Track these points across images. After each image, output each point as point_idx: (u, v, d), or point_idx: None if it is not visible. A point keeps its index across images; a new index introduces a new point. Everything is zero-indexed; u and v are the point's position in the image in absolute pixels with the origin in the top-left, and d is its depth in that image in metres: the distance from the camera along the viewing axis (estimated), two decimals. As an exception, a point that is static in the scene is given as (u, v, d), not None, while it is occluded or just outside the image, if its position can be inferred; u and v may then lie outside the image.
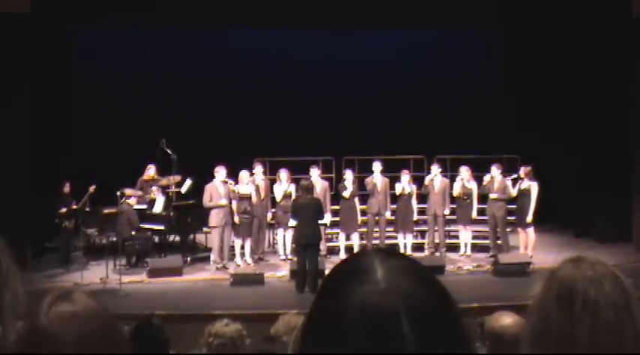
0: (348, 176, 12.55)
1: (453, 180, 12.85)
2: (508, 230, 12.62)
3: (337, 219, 12.59)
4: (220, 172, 11.89)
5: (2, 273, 1.62)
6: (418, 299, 0.96)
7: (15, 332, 1.46)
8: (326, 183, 12.65)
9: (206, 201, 11.82)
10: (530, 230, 12.12)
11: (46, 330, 1.32)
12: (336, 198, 12.66)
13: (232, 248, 12.11)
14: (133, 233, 11.89)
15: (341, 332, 0.95)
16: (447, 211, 12.65)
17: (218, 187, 11.83)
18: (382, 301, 0.94)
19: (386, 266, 0.99)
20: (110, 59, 14.91)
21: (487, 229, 12.71)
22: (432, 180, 12.66)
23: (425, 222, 13.16)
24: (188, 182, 13.05)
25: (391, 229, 12.85)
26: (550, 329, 1.56)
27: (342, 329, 0.94)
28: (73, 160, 13.95)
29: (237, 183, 11.98)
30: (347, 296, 0.96)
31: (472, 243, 12.87)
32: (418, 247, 12.94)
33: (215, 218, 11.76)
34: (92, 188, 12.16)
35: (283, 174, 12.48)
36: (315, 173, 12.44)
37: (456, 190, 12.60)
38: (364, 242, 12.70)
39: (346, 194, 12.38)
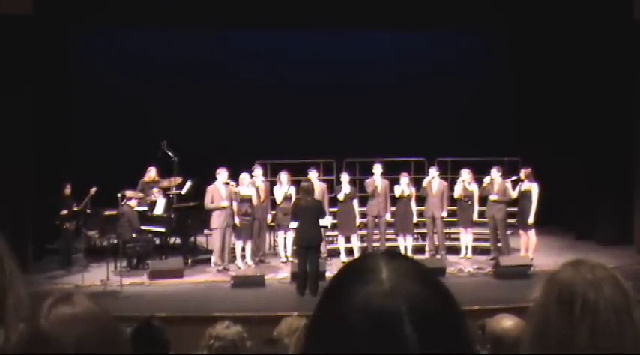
0: (344, 178, 12.54)
1: (453, 182, 12.84)
2: (509, 232, 12.60)
3: (336, 221, 12.57)
4: (222, 174, 11.89)
5: (5, 276, 1.63)
6: (422, 300, 0.97)
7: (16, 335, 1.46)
8: (324, 186, 12.62)
9: (207, 202, 11.82)
10: (532, 232, 12.10)
11: (47, 333, 1.32)
12: (335, 200, 12.64)
13: (233, 250, 12.11)
14: (133, 235, 11.90)
15: (344, 332, 0.95)
16: (444, 214, 12.63)
17: (220, 189, 11.83)
18: (386, 302, 0.95)
19: (391, 267, 1.00)
20: (111, 61, 14.91)
21: (488, 231, 12.70)
22: (429, 182, 12.65)
23: (425, 225, 13.14)
24: (189, 184, 13.05)
25: (391, 231, 12.84)
26: (550, 331, 1.56)
27: (346, 329, 0.95)
28: (73, 162, 13.95)
29: (237, 185, 11.99)
30: (351, 296, 0.97)
31: (473, 246, 12.86)
32: (418, 249, 12.93)
33: (216, 220, 11.76)
34: (93, 190, 12.16)
35: (283, 176, 12.47)
36: (313, 175, 12.42)
37: (457, 192, 12.59)
38: (364, 244, 12.69)
39: (340, 196, 12.36)
